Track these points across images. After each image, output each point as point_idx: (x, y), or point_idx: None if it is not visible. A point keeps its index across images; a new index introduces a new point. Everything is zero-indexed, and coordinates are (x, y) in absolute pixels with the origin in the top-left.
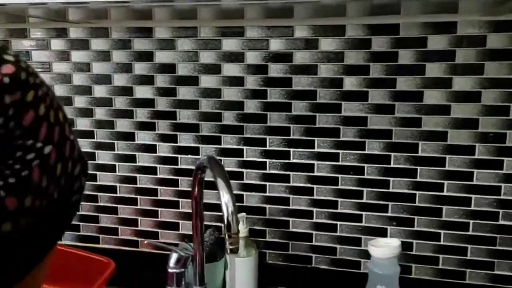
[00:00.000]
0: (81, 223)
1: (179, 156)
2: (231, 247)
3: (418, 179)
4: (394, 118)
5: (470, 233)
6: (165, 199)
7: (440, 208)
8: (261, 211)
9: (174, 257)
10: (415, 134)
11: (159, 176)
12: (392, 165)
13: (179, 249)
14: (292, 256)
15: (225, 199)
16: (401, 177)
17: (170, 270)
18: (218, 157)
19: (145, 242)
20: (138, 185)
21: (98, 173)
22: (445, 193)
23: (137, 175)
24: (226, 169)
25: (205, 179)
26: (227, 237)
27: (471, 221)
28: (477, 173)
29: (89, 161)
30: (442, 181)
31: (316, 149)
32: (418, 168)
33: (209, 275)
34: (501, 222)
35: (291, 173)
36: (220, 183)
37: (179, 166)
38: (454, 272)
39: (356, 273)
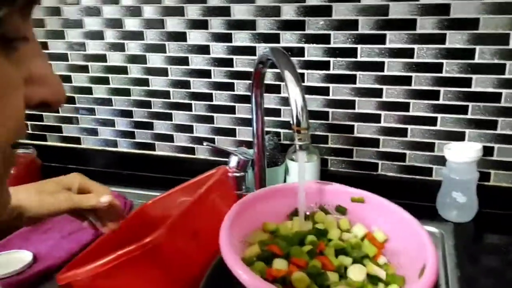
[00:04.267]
0: (135, 130)
1: (234, 57)
2: (300, 143)
3: (507, 75)
4: None
5: None
6: (220, 104)
7: None
8: (323, 116)
9: (234, 160)
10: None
11: (213, 79)
12: (476, 60)
13: (238, 153)
14: (356, 162)
15: (294, 92)
16: (486, 73)
17: (230, 174)
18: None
19: (204, 144)
20: (191, 90)
21: (149, 77)
22: None
23: (190, 79)
24: None
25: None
26: (296, 133)
27: None
28: None
29: (140, 64)
30: None
31: (387, 45)
32: (507, 63)
33: (269, 180)
34: None
35: (357, 72)
36: (288, 75)
37: (234, 68)
38: None
39: (427, 180)
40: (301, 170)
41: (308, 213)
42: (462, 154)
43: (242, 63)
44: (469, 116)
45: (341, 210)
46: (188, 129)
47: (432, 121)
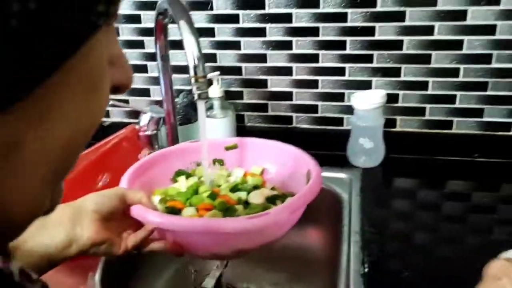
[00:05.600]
0: None
1: (141, 12)
2: (199, 92)
3: (407, 23)
4: None
5: (460, 79)
6: (132, 64)
7: (429, 55)
8: (237, 71)
9: (144, 118)
10: None
11: (122, 37)
12: (378, 9)
13: (149, 111)
14: (272, 117)
15: (190, 42)
16: (388, 21)
17: (141, 133)
18: None
19: (110, 103)
20: None
21: None
22: (435, 36)
23: None
24: (195, 25)
25: (173, 38)
26: (193, 81)
27: (462, 66)
28: (472, 11)
29: None
30: (432, 23)
31: None
32: (408, 9)
33: (184, 138)
34: (494, 65)
35: (267, 25)
36: (183, 25)
37: (142, 25)
38: (440, 122)
39: (339, 130)
40: (201, 120)
41: (189, 172)
42: (367, 101)
43: (151, 19)
44: (374, 64)
45: (219, 162)
46: None
47: (341, 72)
